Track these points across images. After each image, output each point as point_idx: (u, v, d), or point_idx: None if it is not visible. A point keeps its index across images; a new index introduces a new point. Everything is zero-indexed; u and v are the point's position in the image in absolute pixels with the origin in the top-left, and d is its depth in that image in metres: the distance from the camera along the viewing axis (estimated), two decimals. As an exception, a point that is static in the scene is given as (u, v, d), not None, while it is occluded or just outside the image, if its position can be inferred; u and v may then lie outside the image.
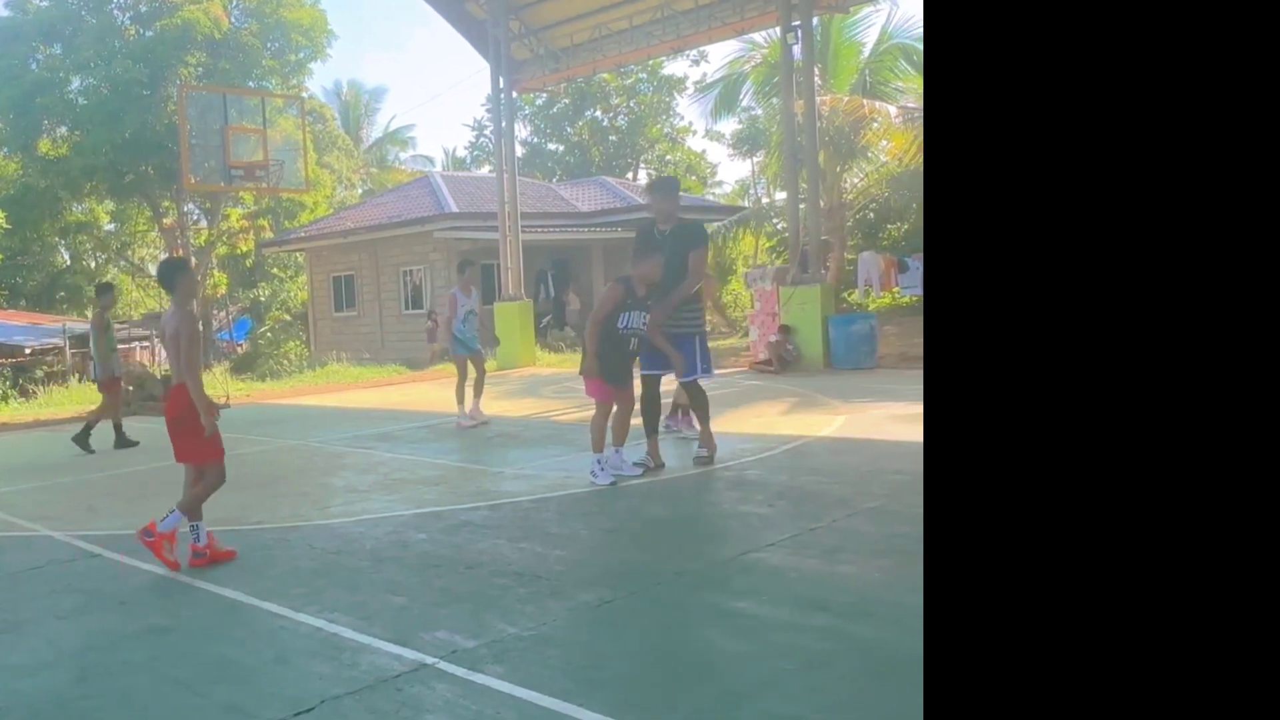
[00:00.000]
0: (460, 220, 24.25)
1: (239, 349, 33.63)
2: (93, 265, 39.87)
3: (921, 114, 20.42)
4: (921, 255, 20.52)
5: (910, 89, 24.13)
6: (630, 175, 41.92)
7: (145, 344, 28.04)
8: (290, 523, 6.19)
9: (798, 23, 15.41)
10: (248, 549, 5.59)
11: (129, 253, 38.22)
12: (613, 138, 44.30)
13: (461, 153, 49.27)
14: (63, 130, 29.14)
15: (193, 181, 18.04)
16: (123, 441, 10.44)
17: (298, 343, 30.80)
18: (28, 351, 24.95)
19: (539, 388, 15.14)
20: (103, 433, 10.41)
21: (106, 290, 11.58)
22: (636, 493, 6.66)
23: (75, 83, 28.39)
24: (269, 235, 32.78)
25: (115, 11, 29.27)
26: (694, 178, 44.35)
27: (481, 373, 11.25)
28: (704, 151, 49.63)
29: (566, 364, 19.34)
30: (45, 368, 23.33)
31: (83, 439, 10.31)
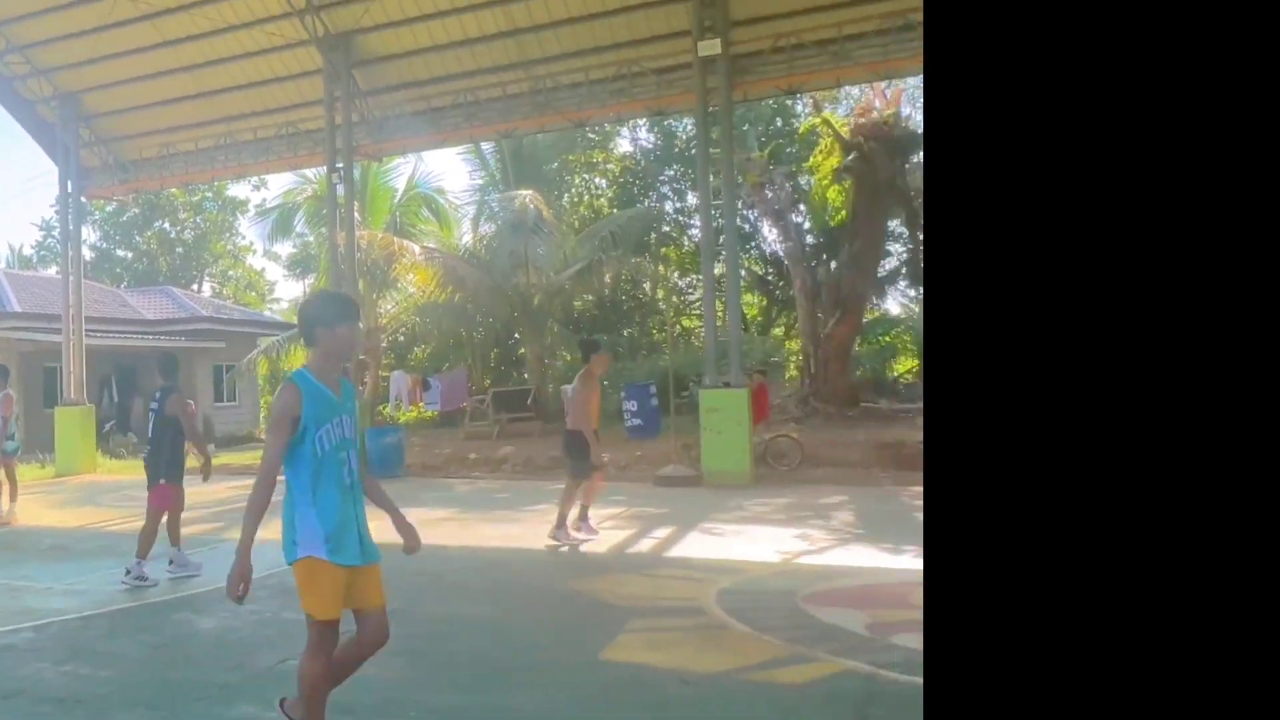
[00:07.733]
0: (23, 320, 23.40)
1: None
2: None
3: (440, 254, 23.91)
4: (440, 374, 25.58)
5: (430, 231, 28.55)
6: (195, 287, 42.74)
7: None
8: None
9: (341, 165, 17.28)
10: None
11: None
12: (180, 249, 45.04)
13: (28, 251, 46.16)
14: None
15: None
16: None
17: None
18: None
19: (98, 495, 14.56)
20: None
21: None
22: (185, 605, 6.85)
23: None
24: None
25: None
26: (253, 294, 46.79)
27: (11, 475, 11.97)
28: (263, 270, 52.27)
29: (128, 471, 18.51)
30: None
31: None
